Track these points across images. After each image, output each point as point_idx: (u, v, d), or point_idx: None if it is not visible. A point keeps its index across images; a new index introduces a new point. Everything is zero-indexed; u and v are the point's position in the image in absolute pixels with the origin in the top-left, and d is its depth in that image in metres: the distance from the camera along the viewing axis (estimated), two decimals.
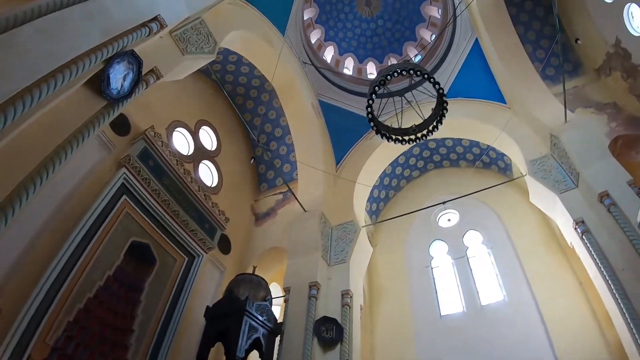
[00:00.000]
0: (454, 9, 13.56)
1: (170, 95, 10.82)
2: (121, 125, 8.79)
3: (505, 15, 12.01)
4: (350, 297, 10.17)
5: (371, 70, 18.28)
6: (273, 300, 9.75)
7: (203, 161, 11.62)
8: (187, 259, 9.41)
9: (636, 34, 9.65)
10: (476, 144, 14.40)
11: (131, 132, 8.99)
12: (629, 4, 9.51)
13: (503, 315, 11.08)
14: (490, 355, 10.39)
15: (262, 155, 13.51)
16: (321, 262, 10.61)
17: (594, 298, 9.70)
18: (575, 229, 8.96)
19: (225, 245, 10.96)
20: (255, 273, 9.61)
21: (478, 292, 11.98)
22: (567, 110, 10.41)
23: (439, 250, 13.73)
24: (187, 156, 10.91)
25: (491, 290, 11.93)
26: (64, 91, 5.42)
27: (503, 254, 12.40)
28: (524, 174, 11.21)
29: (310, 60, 14.47)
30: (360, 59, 18.49)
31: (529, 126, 11.63)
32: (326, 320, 9.29)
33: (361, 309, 10.82)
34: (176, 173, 9.48)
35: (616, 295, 7.61)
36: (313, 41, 16.71)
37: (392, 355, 11.54)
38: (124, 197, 8.20)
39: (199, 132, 11.80)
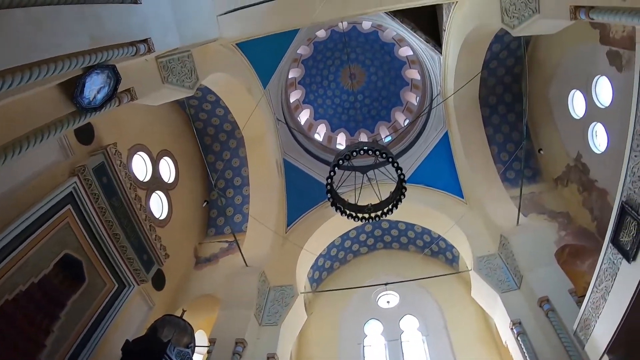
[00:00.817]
0: (431, 100, 14.20)
1: (141, 118, 10.66)
2: (85, 134, 8.56)
3: (477, 115, 12.68)
4: None
5: (341, 141, 18.68)
6: (196, 348, 9.25)
7: (157, 191, 11.28)
8: (117, 285, 8.88)
9: (597, 152, 10.29)
10: (428, 231, 14.69)
11: (93, 143, 8.75)
12: (595, 122, 10.21)
13: None
14: None
15: (217, 200, 13.27)
16: (253, 320, 10.26)
17: None
18: (512, 329, 9.10)
19: (159, 282, 10.45)
20: (184, 317, 9.15)
21: None
22: (521, 214, 10.85)
23: (373, 330, 13.59)
24: (142, 182, 10.58)
25: None
26: (36, 86, 5.20)
27: (437, 343, 12.42)
28: (469, 268, 11.41)
29: (285, 119, 14.69)
30: (333, 128, 18.93)
31: (482, 223, 12.00)
32: None
33: None
34: (127, 196, 9.14)
35: None
36: (292, 100, 17.07)
37: None
38: (69, 206, 7.79)
39: (159, 161, 11.55)
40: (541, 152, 11.72)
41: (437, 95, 13.54)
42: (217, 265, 12.43)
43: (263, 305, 11.04)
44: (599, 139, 10.27)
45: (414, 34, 12.73)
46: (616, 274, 6.63)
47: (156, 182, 11.25)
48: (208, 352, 9.53)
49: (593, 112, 10.10)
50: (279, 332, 10.41)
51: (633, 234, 6.07)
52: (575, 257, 10.59)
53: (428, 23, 12.68)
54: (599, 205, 10.41)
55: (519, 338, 8.79)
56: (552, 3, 6.78)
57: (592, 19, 5.85)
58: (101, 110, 6.51)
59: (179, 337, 8.43)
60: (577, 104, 10.81)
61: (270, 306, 11.19)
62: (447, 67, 12.32)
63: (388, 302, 14.13)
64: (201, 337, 10.88)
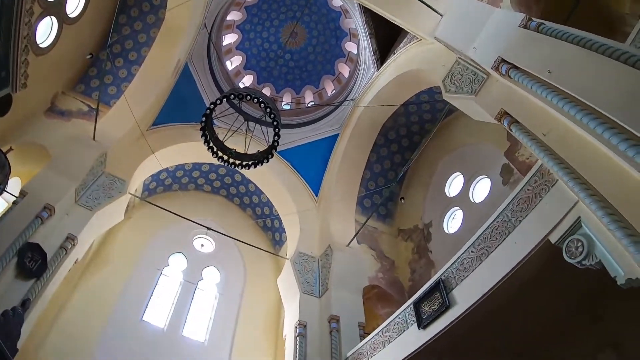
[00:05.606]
0: (344, 99, 14.57)
1: None
2: None
3: (372, 137, 13.36)
4: (74, 245, 9.29)
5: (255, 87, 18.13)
6: (4, 193, 8.37)
7: (52, 16, 9.95)
8: None
9: (446, 231, 11.46)
10: (271, 206, 14.90)
11: None
12: (458, 208, 11.36)
13: (195, 355, 11.48)
14: None
15: (104, 61, 12.02)
16: (71, 193, 9.74)
17: None
18: (296, 327, 9.85)
19: (2, 106, 9.13)
20: (7, 155, 8.17)
21: (185, 321, 12.11)
22: (355, 239, 11.73)
23: (177, 264, 13.57)
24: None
25: (197, 328, 12.19)
26: None
27: (227, 305, 12.98)
28: (287, 257, 12.00)
29: (210, 33, 14.03)
30: (260, 81, 18.38)
31: (319, 227, 12.76)
32: (35, 249, 8.34)
33: (76, 262, 9.96)
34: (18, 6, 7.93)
35: None
36: (224, 43, 16.58)
37: (74, 331, 10.44)
38: None
39: None
40: (402, 201, 12.70)
41: (357, 96, 13.88)
42: (67, 124, 11.54)
43: (88, 186, 10.44)
44: (454, 222, 11.46)
45: (368, 38, 12.94)
46: (404, 331, 7.57)
47: (58, 7, 9.96)
48: (14, 203, 8.78)
49: (462, 200, 11.24)
50: (90, 219, 9.93)
51: (434, 308, 6.93)
52: (378, 300, 11.67)
53: (384, 37, 12.96)
54: (421, 272, 11.60)
55: (297, 338, 9.56)
56: (489, 95, 7.18)
57: (511, 130, 6.36)
58: None
59: None
60: (454, 185, 11.92)
61: (95, 190, 10.58)
62: (375, 83, 12.83)
63: (202, 245, 14.37)
64: (14, 185, 9.87)
